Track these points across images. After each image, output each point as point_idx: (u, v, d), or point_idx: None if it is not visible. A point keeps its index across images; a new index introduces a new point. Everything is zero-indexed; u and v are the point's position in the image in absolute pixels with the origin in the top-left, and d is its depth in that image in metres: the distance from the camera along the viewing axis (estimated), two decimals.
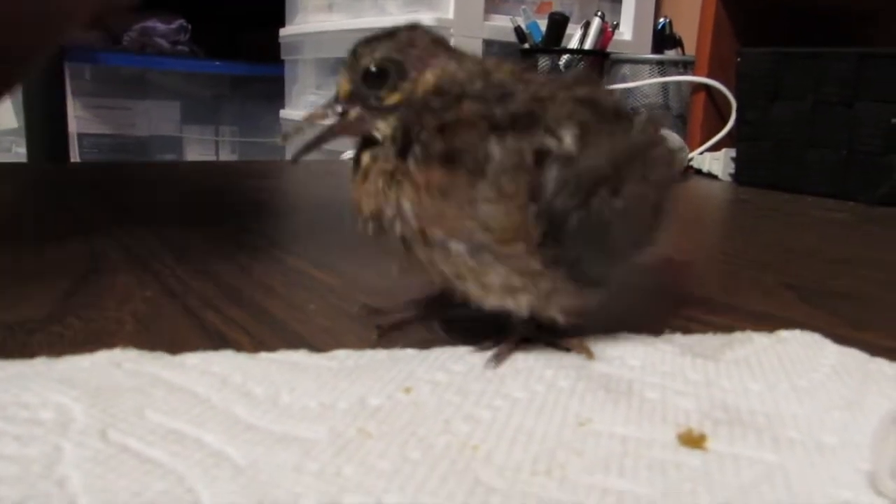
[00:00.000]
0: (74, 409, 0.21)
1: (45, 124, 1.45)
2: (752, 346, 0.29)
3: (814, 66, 0.85)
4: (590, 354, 0.27)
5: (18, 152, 1.55)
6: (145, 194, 0.73)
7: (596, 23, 1.11)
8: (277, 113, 1.52)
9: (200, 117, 1.71)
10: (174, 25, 1.66)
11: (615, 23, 1.17)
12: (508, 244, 0.25)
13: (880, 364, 0.28)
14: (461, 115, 0.25)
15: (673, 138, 0.77)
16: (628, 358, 0.27)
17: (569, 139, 0.25)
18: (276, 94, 1.55)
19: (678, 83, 1.05)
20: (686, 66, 1.05)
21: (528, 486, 0.19)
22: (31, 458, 0.19)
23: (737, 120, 0.95)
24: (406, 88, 0.26)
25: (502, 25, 1.13)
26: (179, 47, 1.68)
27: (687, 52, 1.13)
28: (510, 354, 0.27)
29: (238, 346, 0.28)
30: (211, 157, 1.72)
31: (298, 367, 0.25)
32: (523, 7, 1.16)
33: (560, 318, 0.27)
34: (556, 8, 1.21)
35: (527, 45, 1.11)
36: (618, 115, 0.28)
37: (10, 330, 0.29)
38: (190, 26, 1.68)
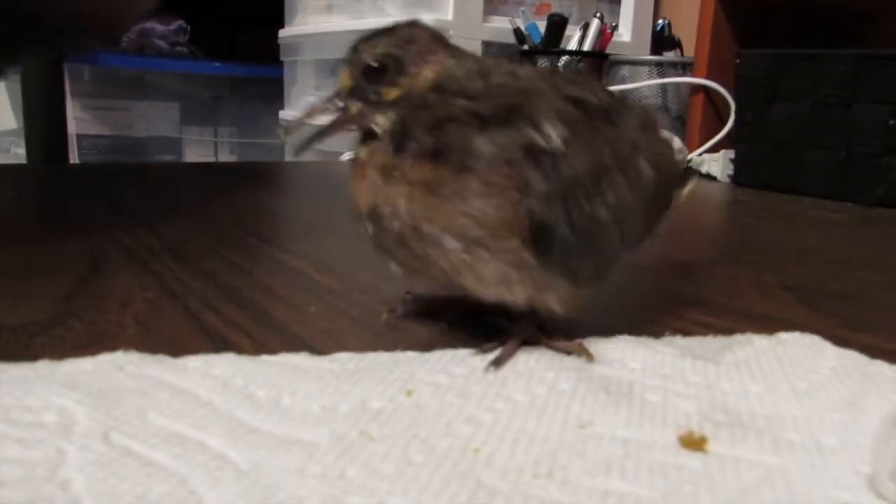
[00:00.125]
0: (77, 412, 0.21)
1: (44, 125, 1.45)
2: (752, 348, 0.29)
3: (812, 67, 0.85)
4: (590, 357, 0.27)
5: (17, 153, 1.55)
6: (145, 195, 0.73)
7: (595, 24, 1.11)
8: (276, 114, 1.52)
9: (200, 118, 1.70)
10: (173, 26, 1.66)
11: (614, 24, 1.17)
12: (501, 238, 0.25)
13: (880, 366, 0.28)
14: (451, 111, 0.26)
15: (672, 140, 0.77)
16: (629, 360, 0.27)
17: (555, 135, 0.25)
18: (275, 95, 1.55)
19: (677, 84, 1.05)
20: (685, 67, 1.05)
21: (530, 488, 0.19)
22: (35, 461, 0.19)
23: (735, 121, 0.95)
24: (405, 84, 0.26)
25: (501, 27, 1.14)
26: (178, 48, 1.68)
27: (686, 53, 1.13)
28: (511, 357, 0.27)
29: (239, 349, 0.28)
30: (210, 158, 1.72)
31: (300, 369, 0.25)
32: (522, 8, 1.16)
33: (558, 309, 0.27)
34: (555, 9, 1.21)
35: (526, 47, 1.11)
36: (608, 111, 0.28)
37: (12, 333, 0.29)
38: (189, 27, 1.68)
